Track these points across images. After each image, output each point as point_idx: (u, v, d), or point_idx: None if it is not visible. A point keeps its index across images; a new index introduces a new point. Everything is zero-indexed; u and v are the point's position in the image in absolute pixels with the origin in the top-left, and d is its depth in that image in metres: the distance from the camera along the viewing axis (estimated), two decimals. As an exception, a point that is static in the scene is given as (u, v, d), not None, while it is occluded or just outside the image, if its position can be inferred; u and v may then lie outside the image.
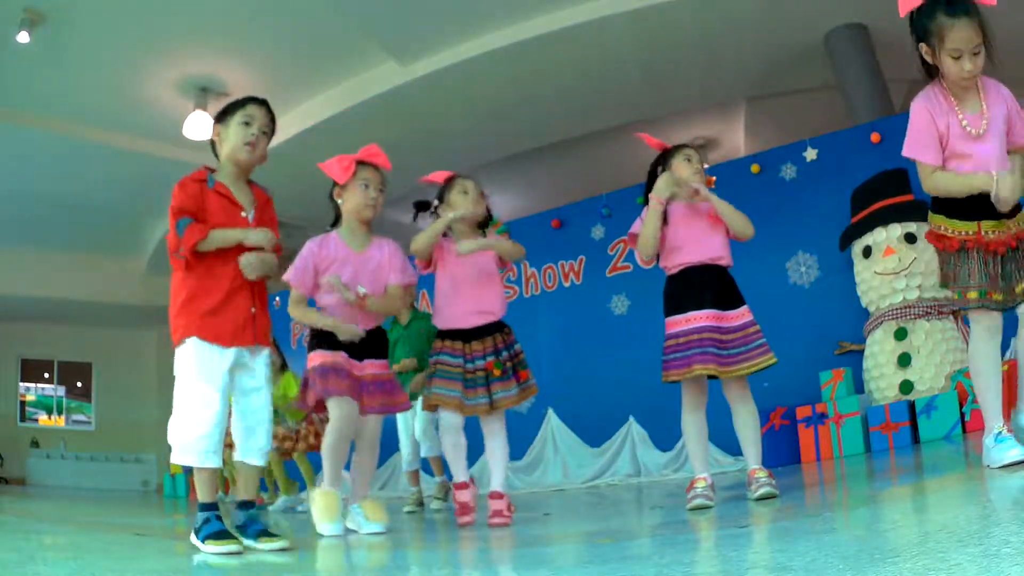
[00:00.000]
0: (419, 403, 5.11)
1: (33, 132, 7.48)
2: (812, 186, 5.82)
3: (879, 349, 4.85)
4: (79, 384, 13.10)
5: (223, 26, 6.36)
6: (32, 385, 12.74)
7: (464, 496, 3.27)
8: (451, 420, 3.22)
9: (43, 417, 12.73)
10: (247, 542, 2.40)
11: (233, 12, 6.17)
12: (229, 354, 2.43)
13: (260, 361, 2.54)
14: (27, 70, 6.59)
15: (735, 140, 8.93)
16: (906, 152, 2.41)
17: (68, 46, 6.34)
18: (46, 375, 12.88)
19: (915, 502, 2.22)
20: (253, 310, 2.49)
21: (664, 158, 3.19)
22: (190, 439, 2.35)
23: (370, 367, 3.06)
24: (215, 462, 2.37)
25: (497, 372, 3.16)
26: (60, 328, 12.37)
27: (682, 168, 3.09)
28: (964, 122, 2.33)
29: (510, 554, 2.26)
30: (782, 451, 5.04)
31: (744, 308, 3.00)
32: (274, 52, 6.72)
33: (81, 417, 13.04)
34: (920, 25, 2.34)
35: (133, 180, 8.59)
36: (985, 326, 2.40)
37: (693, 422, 3.01)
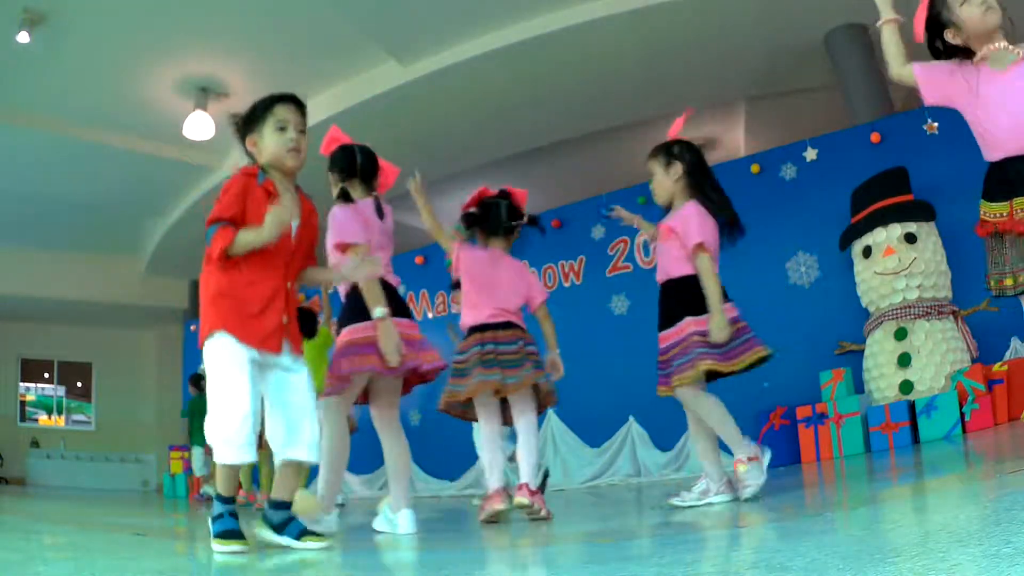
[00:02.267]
0: None
1: (33, 132, 7.48)
2: (812, 186, 5.82)
3: (879, 349, 4.85)
4: (79, 384, 13.11)
5: (223, 26, 6.36)
6: (32, 385, 12.75)
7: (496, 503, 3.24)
8: (491, 427, 3.30)
9: (43, 417, 12.74)
10: (285, 540, 2.40)
11: (233, 12, 6.17)
12: (255, 353, 2.35)
13: (296, 360, 2.45)
14: (27, 70, 6.59)
15: (735, 140, 8.93)
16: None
17: (68, 46, 6.34)
18: (46, 375, 12.89)
19: (915, 502, 2.21)
20: (285, 319, 2.41)
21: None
22: (230, 432, 2.28)
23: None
24: (252, 456, 2.32)
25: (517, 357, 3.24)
26: (60, 328, 12.38)
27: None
28: (990, 65, 2.34)
29: (510, 554, 2.26)
30: (782, 451, 5.04)
31: (674, 328, 3.03)
32: (274, 52, 6.72)
33: (81, 417, 13.05)
34: (932, 18, 2.42)
35: (133, 180, 8.60)
36: None
37: (714, 402, 3.01)
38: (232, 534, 2.31)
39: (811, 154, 5.87)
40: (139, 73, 6.93)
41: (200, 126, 7.32)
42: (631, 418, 6.37)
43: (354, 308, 2.95)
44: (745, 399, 5.32)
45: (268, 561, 2.16)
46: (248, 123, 2.53)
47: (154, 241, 10.48)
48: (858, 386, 5.09)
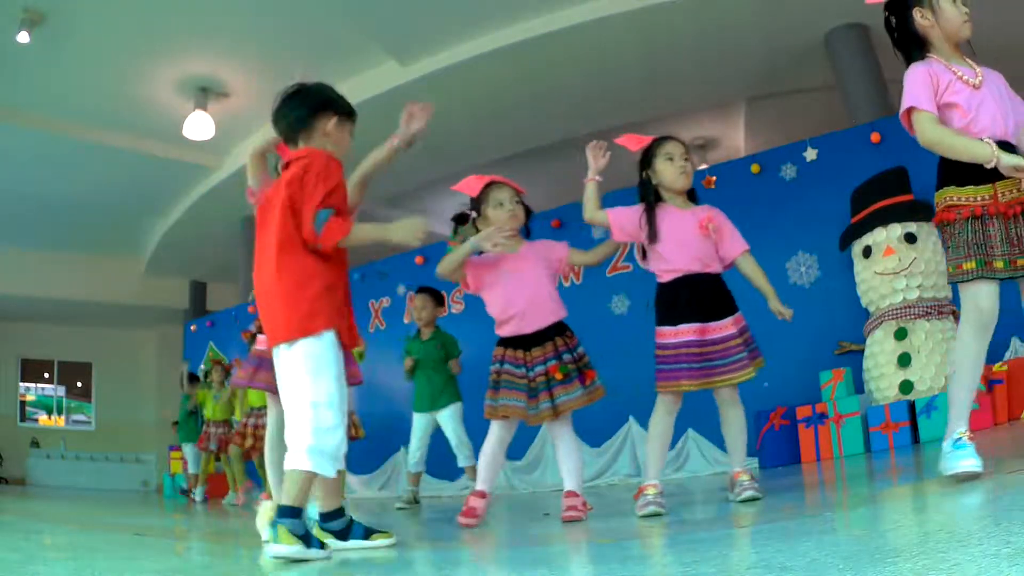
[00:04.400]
0: (449, 412, 5.21)
1: (33, 132, 7.49)
2: (812, 186, 5.81)
3: (879, 349, 4.84)
4: (79, 384, 13.11)
5: (223, 26, 6.36)
6: (32, 385, 12.75)
7: (477, 503, 3.21)
8: (501, 434, 3.24)
9: (43, 417, 12.74)
10: (355, 544, 2.40)
11: (233, 12, 6.17)
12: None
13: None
14: (27, 70, 6.59)
15: (735, 140, 8.93)
16: (907, 102, 2.35)
17: (68, 46, 6.34)
18: (46, 375, 12.89)
19: (915, 502, 2.21)
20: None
21: (648, 156, 3.13)
22: (334, 443, 2.14)
23: None
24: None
25: (559, 376, 3.14)
26: (60, 328, 12.39)
27: (666, 170, 3.06)
28: (961, 74, 2.31)
29: (510, 554, 2.26)
30: (782, 451, 5.04)
31: (729, 319, 2.97)
32: (274, 52, 6.72)
33: (81, 417, 13.05)
34: None
35: (133, 180, 8.60)
36: (984, 307, 2.20)
37: (666, 426, 3.00)
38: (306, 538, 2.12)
39: (811, 154, 5.87)
40: (139, 73, 6.93)
41: (200, 126, 7.32)
42: (631, 418, 6.36)
43: None
44: (745, 399, 5.31)
45: (267, 561, 2.16)
46: (331, 109, 2.51)
47: (154, 241, 10.48)
48: (858, 386, 5.09)
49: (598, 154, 3.21)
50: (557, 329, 3.23)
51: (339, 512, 2.45)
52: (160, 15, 6.08)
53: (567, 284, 6.96)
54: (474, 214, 3.34)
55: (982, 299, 2.20)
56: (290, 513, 2.10)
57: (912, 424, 4.51)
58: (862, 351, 5.08)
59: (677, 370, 2.89)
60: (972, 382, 2.28)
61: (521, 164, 8.54)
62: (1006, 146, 2.23)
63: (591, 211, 3.15)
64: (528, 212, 3.37)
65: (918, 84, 2.33)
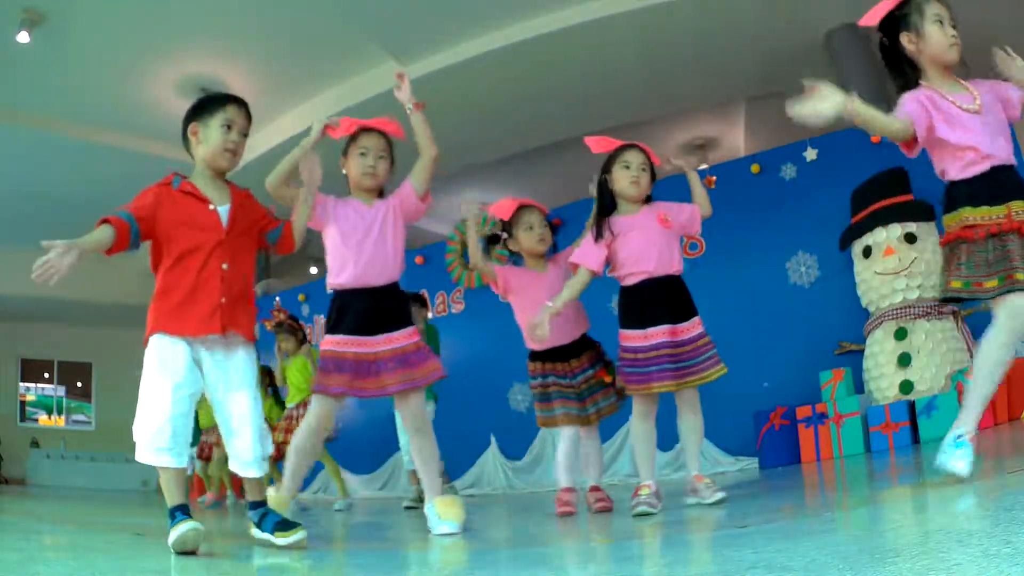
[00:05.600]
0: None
1: (33, 132, 7.48)
2: (812, 186, 5.81)
3: (879, 349, 4.84)
4: (79, 384, 13.11)
5: (223, 26, 6.36)
6: (32, 385, 12.75)
7: (569, 497, 3.39)
8: (570, 433, 3.41)
9: (43, 417, 12.74)
10: (264, 535, 2.44)
11: (233, 12, 6.17)
12: (192, 346, 2.37)
13: (237, 359, 2.45)
14: (27, 70, 6.59)
15: (735, 140, 8.94)
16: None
17: (68, 46, 6.34)
18: (46, 375, 12.89)
19: (915, 502, 2.21)
20: (223, 300, 2.41)
21: (608, 162, 3.21)
22: (148, 436, 2.34)
23: (387, 342, 2.79)
24: (171, 462, 2.32)
25: (608, 379, 3.35)
26: (60, 328, 12.38)
27: (620, 178, 3.13)
28: (956, 101, 2.35)
29: (510, 554, 2.26)
30: (782, 451, 5.04)
31: (696, 319, 3.02)
32: (274, 52, 6.72)
33: (81, 417, 13.05)
34: (898, 17, 2.42)
35: (133, 180, 8.55)
36: (1014, 315, 2.24)
37: (645, 430, 3.06)
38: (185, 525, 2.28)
39: (811, 154, 5.87)
40: (139, 73, 6.93)
41: (200, 126, 7.32)
42: (631, 418, 6.36)
43: (332, 314, 2.88)
44: (745, 399, 5.33)
45: (266, 560, 2.16)
46: (199, 112, 2.61)
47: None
48: (858, 386, 5.09)
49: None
50: (586, 342, 3.46)
51: (258, 504, 2.53)
52: (160, 15, 6.07)
53: (567, 284, 6.96)
54: (505, 235, 3.53)
55: (1019, 309, 2.24)
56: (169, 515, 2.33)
57: (912, 424, 4.51)
58: (862, 351, 5.08)
59: (647, 373, 2.93)
60: (994, 387, 2.31)
61: (521, 164, 8.54)
62: (1007, 169, 2.32)
63: (569, 289, 3.15)
64: (554, 231, 3.56)
65: (909, 103, 2.39)
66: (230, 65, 6.93)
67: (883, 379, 4.78)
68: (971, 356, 4.69)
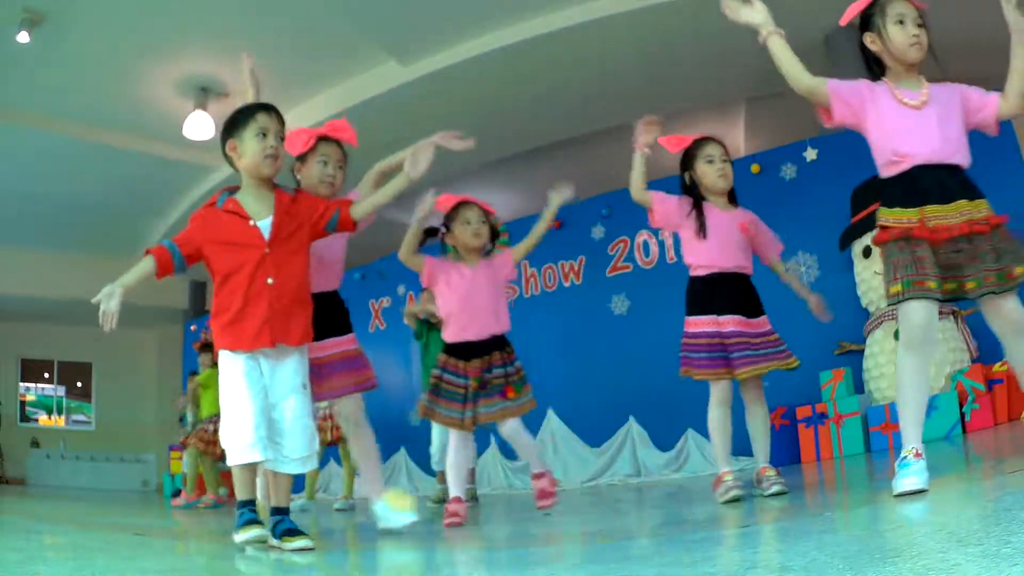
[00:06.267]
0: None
1: (33, 132, 7.48)
2: (812, 186, 5.82)
3: (879, 349, 4.85)
4: (79, 384, 13.10)
5: (223, 26, 6.36)
6: (32, 385, 12.74)
7: (457, 508, 3.33)
8: (459, 438, 3.38)
9: (43, 417, 12.73)
10: (273, 542, 2.46)
11: (233, 12, 6.17)
12: (252, 359, 2.53)
13: (287, 367, 2.56)
14: (27, 70, 6.58)
15: (735, 140, 8.92)
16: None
17: (68, 46, 6.33)
18: (46, 375, 12.88)
19: (915, 502, 2.21)
20: (271, 315, 2.52)
21: (688, 158, 3.26)
22: (234, 439, 2.48)
23: (332, 346, 2.96)
24: (259, 456, 2.48)
25: (512, 394, 3.30)
26: (60, 328, 12.37)
27: (707, 172, 3.19)
28: (901, 96, 2.36)
29: (510, 554, 2.26)
30: (782, 451, 5.04)
31: (764, 317, 3.13)
32: (274, 52, 6.71)
33: (81, 417, 13.04)
34: (865, 17, 2.50)
35: (133, 180, 8.59)
36: (915, 323, 2.25)
37: (719, 416, 3.10)
38: (250, 523, 2.55)
39: (811, 154, 5.87)
40: (139, 73, 6.92)
41: (200, 126, 7.32)
42: (631, 418, 6.37)
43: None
44: (745, 399, 5.33)
45: (266, 560, 2.16)
46: (232, 128, 2.65)
47: (154, 241, 10.46)
48: (858, 386, 5.09)
49: (650, 128, 3.21)
50: (497, 343, 3.37)
51: (278, 511, 2.56)
52: (160, 15, 6.07)
53: (567, 284, 6.96)
54: (443, 229, 3.54)
55: (912, 315, 2.26)
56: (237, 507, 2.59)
57: (912, 424, 4.51)
58: (862, 351, 5.08)
59: (728, 358, 2.98)
60: (915, 398, 2.30)
61: (521, 164, 8.53)
62: (943, 167, 2.26)
63: (638, 189, 3.16)
64: (494, 233, 3.54)
65: (850, 82, 2.49)
66: (230, 65, 6.92)
67: (883, 379, 4.78)
68: (971, 356, 4.70)
